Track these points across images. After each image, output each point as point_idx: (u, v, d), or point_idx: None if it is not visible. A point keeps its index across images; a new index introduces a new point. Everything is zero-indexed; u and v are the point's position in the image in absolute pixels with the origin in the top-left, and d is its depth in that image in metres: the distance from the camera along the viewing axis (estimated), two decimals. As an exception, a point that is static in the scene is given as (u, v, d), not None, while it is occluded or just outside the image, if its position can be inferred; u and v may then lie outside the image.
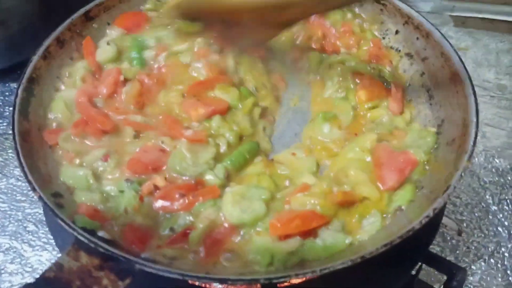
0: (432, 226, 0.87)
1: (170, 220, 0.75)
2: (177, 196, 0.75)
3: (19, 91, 0.85)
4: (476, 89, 0.82)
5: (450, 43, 0.91)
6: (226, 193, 0.76)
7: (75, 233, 0.65)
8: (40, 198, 0.69)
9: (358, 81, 0.93)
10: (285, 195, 0.77)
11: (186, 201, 0.75)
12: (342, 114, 0.90)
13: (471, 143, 0.75)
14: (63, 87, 0.93)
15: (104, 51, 0.96)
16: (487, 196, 1.20)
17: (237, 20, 0.85)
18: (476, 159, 1.27)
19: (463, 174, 0.72)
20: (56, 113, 0.87)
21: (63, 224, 0.66)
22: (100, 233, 0.68)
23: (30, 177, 0.71)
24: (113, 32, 1.01)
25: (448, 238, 1.14)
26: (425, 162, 0.82)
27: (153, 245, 0.71)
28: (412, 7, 0.98)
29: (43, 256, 1.07)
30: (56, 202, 0.72)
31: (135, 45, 0.96)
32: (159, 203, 0.76)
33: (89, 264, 0.63)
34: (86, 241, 0.64)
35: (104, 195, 0.77)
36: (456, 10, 1.66)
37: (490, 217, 1.17)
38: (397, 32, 1.02)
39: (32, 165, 0.75)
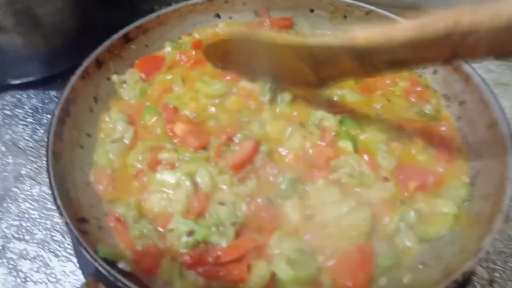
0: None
1: None
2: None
3: (56, 111, 0.87)
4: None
5: (490, 89, 0.87)
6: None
7: (96, 264, 0.66)
8: (66, 224, 0.71)
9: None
10: None
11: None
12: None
13: (507, 202, 0.71)
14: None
15: None
16: (523, 245, 1.14)
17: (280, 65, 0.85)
18: (513, 204, 1.20)
19: (497, 237, 0.68)
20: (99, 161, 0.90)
21: (85, 253, 0.67)
22: (121, 265, 0.69)
23: (59, 202, 0.73)
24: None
25: (478, 287, 1.08)
26: (456, 216, 0.78)
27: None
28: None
29: (68, 267, 1.09)
30: (80, 228, 0.73)
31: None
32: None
33: (107, 297, 0.64)
34: (106, 273, 0.65)
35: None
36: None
37: (525, 268, 1.10)
38: (435, 71, 0.99)
39: (62, 188, 0.77)
